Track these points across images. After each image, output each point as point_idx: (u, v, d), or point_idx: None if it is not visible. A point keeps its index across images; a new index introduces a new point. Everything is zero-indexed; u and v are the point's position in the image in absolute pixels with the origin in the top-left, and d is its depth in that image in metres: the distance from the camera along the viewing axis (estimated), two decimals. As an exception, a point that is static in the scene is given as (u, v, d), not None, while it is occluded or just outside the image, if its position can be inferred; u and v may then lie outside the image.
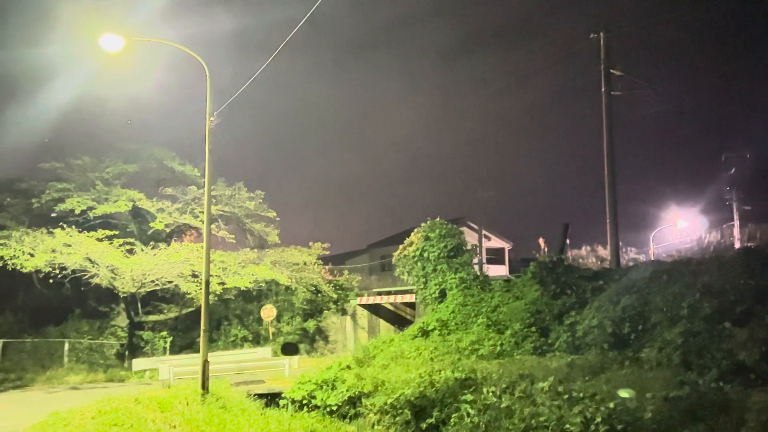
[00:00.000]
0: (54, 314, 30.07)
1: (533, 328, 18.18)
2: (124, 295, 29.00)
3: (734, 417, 9.22)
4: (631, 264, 26.51)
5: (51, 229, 26.94)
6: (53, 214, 28.36)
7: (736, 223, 30.79)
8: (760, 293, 12.57)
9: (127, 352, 29.29)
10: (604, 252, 30.50)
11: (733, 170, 31.86)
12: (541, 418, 10.68)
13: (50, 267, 26.05)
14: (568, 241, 26.33)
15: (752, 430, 8.80)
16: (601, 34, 21.26)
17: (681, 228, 39.37)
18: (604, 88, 20.92)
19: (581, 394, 11.01)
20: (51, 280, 26.84)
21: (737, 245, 27.12)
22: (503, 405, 11.84)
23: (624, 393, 10.01)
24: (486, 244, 42.41)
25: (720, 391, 10.16)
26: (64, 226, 26.92)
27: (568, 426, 10.09)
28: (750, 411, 9.19)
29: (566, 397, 11.15)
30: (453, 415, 12.62)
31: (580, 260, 33.46)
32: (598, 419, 9.81)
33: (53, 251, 26.17)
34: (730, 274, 13.73)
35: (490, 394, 12.50)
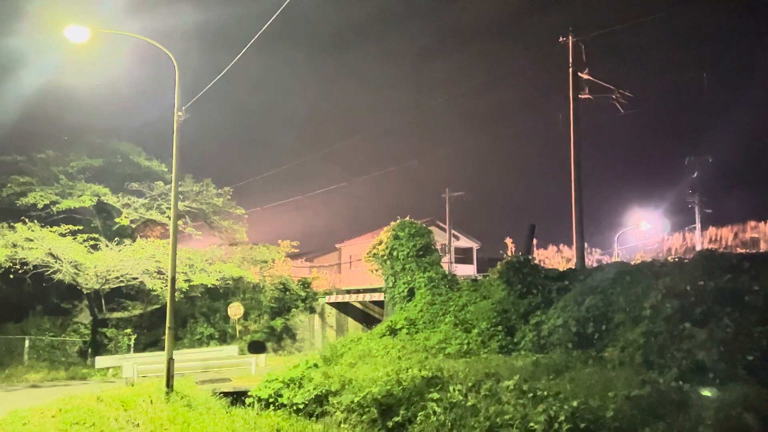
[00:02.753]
0: (14, 310, 29.39)
1: (499, 327, 18.36)
2: (88, 291, 28.49)
3: (693, 415, 9.44)
4: (595, 265, 26.94)
5: (12, 224, 26.34)
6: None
7: (698, 226, 31.53)
8: (719, 295, 12.87)
9: (89, 350, 28.80)
10: (570, 253, 30.96)
11: (695, 174, 32.63)
12: (506, 417, 10.80)
13: (11, 262, 25.50)
14: (534, 242, 26.66)
15: (710, 428, 9.02)
16: (570, 38, 21.54)
17: (644, 230, 40.15)
18: (571, 91, 21.20)
19: (545, 393, 11.16)
20: (11, 276, 26.25)
21: (699, 248, 27.75)
22: (469, 403, 11.94)
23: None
24: (455, 243, 42.68)
25: (680, 389, 10.40)
26: (26, 220, 26.36)
27: (532, 424, 10.22)
28: (708, 409, 9.43)
29: (531, 395, 11.29)
30: (419, 414, 12.69)
31: (546, 260, 33.89)
32: (562, 417, 9.96)
33: (14, 246, 25.62)
34: (691, 276, 14.04)
35: (456, 392, 12.59)
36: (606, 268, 17.97)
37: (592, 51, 21.87)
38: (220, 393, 17.52)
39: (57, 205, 27.97)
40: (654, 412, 9.69)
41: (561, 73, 21.80)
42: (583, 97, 21.40)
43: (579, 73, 21.30)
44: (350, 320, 35.32)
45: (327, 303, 34.71)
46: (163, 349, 18.53)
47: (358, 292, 32.73)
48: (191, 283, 28.72)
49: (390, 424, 13.13)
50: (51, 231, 26.28)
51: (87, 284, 27.63)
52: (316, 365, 19.31)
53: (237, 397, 17.36)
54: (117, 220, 29.52)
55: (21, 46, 27.34)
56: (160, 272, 27.65)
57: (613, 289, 15.98)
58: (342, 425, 14.09)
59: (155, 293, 28.81)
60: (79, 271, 27.10)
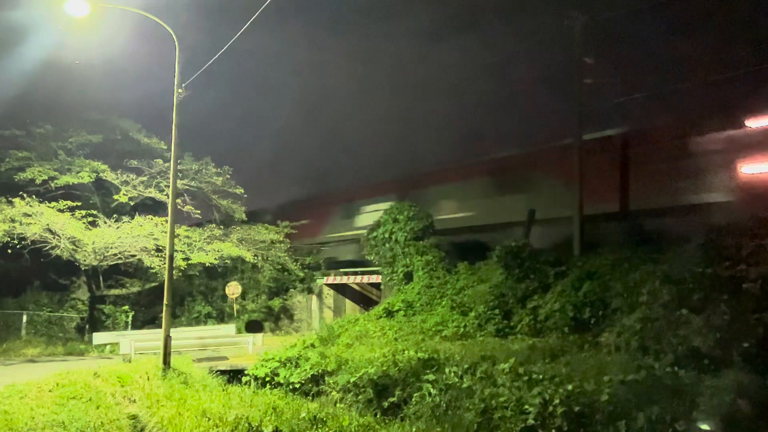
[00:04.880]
0: (12, 286, 29.47)
1: (496, 311, 18.40)
2: (86, 267, 28.52)
3: (687, 400, 9.48)
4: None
5: (10, 199, 26.29)
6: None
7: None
8: (717, 282, 12.88)
9: (87, 326, 28.89)
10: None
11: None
12: (501, 399, 10.85)
13: (9, 237, 25.44)
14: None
15: (704, 414, 9.06)
16: (576, 21, 21.26)
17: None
18: (576, 74, 21.00)
19: (541, 376, 11.21)
20: (9, 251, 26.22)
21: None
22: (464, 385, 12.00)
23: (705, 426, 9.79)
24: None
25: (675, 375, 10.43)
26: (24, 195, 26.28)
27: (526, 407, 10.27)
28: (702, 395, 9.46)
29: (526, 378, 11.34)
30: (415, 395, 12.76)
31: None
32: (557, 401, 10.01)
33: (12, 221, 25.55)
34: (690, 263, 14.04)
35: (452, 374, 12.65)
36: (604, 253, 17.96)
37: (597, 34, 21.67)
38: (217, 371, 17.63)
39: (55, 181, 27.86)
40: (649, 397, 9.73)
41: (566, 57, 21.61)
42: (586, 81, 21.20)
43: (584, 58, 21.07)
44: (348, 302, 35.40)
45: (325, 284, 34.77)
46: (160, 326, 18.61)
47: (356, 273, 32.75)
48: (189, 262, 28.71)
49: (385, 404, 13.21)
50: (49, 207, 26.21)
51: (85, 260, 27.63)
52: (313, 345, 19.41)
53: (234, 375, 17.49)
54: (116, 197, 29.43)
55: (21, 19, 27.05)
56: (158, 250, 27.66)
57: (611, 275, 16.01)
58: (338, 405, 14.18)
59: (153, 271, 28.82)
60: (77, 247, 27.09)
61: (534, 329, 16.86)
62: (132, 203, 30.17)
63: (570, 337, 14.87)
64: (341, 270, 34.09)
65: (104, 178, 29.33)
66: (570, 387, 10.24)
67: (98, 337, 25.51)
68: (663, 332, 12.47)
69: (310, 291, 34.89)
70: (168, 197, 19.04)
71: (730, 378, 9.89)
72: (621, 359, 11.91)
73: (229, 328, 27.90)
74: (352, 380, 14.36)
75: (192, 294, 32.76)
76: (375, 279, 30.11)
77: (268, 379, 16.67)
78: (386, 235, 25.49)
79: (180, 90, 17.05)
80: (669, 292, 13.28)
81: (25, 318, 27.76)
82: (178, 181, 27.40)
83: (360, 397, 13.89)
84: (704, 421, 8.99)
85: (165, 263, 17.53)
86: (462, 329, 18.46)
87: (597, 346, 13.59)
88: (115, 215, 28.77)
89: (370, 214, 29.64)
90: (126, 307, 30.23)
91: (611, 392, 9.90)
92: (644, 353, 12.25)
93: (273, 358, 17.33)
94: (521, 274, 18.92)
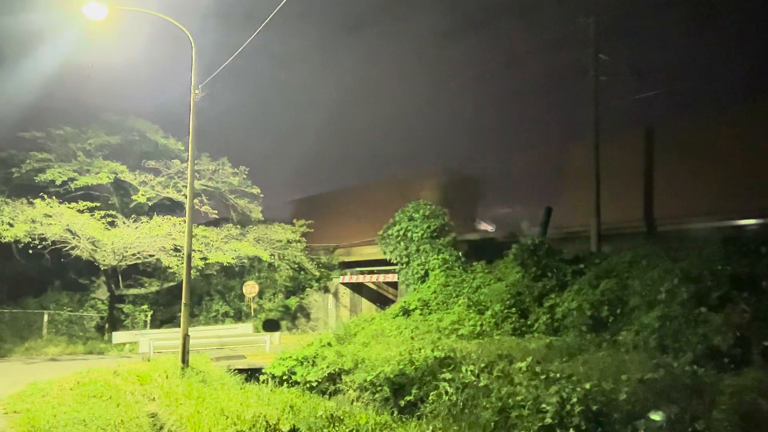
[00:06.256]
0: (33, 285, 29.86)
1: (513, 310, 18.34)
2: (105, 267, 28.80)
3: (707, 400, 9.39)
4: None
5: (31, 200, 26.63)
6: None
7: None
8: (736, 280, 12.76)
9: (107, 325, 29.17)
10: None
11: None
12: (518, 398, 10.81)
13: (30, 237, 25.77)
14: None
15: (724, 413, 8.97)
16: (592, 18, 21.14)
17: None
18: (592, 72, 20.87)
19: (558, 375, 11.15)
20: (30, 251, 26.58)
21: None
22: (481, 384, 11.98)
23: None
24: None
25: (694, 374, 10.33)
26: (45, 196, 26.61)
27: (544, 405, 10.22)
28: (722, 394, 9.37)
29: (543, 377, 11.29)
30: (431, 393, 12.75)
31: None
32: (574, 399, 9.95)
33: (33, 222, 25.88)
34: (709, 260, 13.92)
35: (469, 373, 12.63)
36: (622, 252, 17.84)
37: (612, 31, 21.52)
38: (235, 369, 17.73)
39: (75, 182, 28.17)
40: (667, 396, 9.65)
41: (580, 54, 21.45)
42: (602, 78, 21.06)
43: (599, 55, 20.93)
44: (364, 300, 35.46)
45: (341, 283, 34.84)
46: (178, 325, 18.78)
47: (372, 272, 32.79)
48: (207, 261, 28.90)
49: (402, 402, 13.22)
50: (69, 207, 26.51)
51: (104, 260, 27.91)
52: (329, 344, 19.45)
53: (251, 374, 17.57)
54: (134, 197, 29.71)
55: (40, 22, 27.38)
56: (176, 249, 27.88)
57: (629, 273, 15.89)
58: (355, 403, 14.22)
59: (171, 270, 29.05)
60: (96, 247, 27.38)
61: (551, 328, 16.78)
62: (150, 203, 30.44)
63: (587, 335, 14.78)
64: (357, 269, 34.19)
65: (123, 178, 29.62)
66: (588, 386, 10.18)
67: (118, 336, 25.81)
68: (682, 331, 12.37)
69: (326, 290, 35.00)
70: (186, 197, 19.20)
71: (750, 377, 9.79)
72: (639, 358, 11.82)
73: (246, 327, 28.08)
74: (368, 379, 14.40)
75: (210, 293, 32.98)
76: (391, 278, 30.12)
77: (285, 377, 16.76)
78: (401, 233, 25.49)
79: (197, 91, 17.18)
80: (688, 290, 13.18)
81: (46, 317, 28.10)
82: (196, 181, 27.63)
83: (377, 395, 13.92)
84: (724, 421, 8.90)
85: (183, 263, 17.67)
86: (478, 328, 18.42)
87: (615, 344, 13.50)
88: (133, 215, 29.05)
89: None
90: (145, 307, 30.52)
91: (629, 391, 9.83)
92: (663, 352, 12.16)
93: (290, 357, 17.42)
94: (538, 273, 18.85)
